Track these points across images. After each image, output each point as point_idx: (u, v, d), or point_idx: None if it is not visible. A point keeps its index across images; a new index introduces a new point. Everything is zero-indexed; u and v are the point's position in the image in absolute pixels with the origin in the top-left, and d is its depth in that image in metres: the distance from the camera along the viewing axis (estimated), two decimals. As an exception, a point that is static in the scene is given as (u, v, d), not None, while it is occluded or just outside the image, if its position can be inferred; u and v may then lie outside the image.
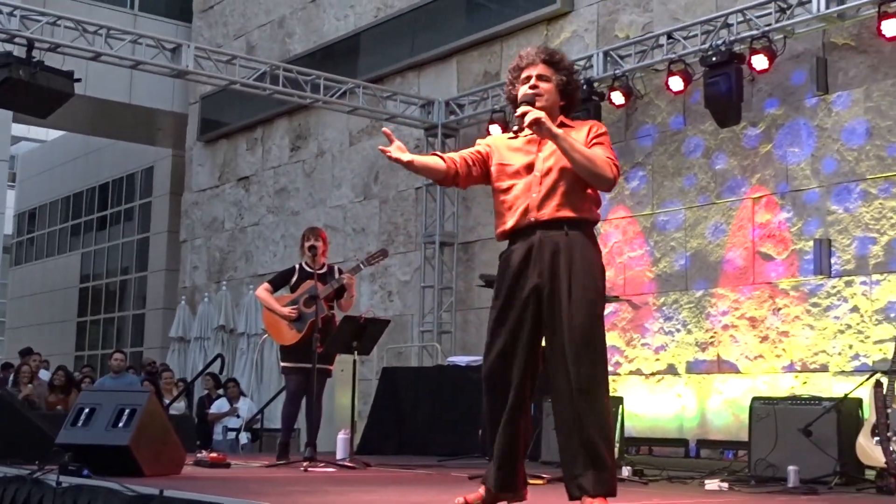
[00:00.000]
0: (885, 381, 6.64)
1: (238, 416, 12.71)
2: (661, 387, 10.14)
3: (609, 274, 9.09)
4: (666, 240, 10.30)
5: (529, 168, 4.23)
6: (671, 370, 10.08)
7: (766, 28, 9.06)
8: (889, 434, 6.41)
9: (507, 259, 4.23)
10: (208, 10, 18.39)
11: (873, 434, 6.52)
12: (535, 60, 4.34)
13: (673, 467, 7.69)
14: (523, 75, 4.34)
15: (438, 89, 13.07)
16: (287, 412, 8.33)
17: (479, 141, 4.49)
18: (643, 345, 10.31)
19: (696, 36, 9.68)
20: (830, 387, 8.65)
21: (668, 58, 9.78)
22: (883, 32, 8.25)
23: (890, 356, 6.95)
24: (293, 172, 15.56)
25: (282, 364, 8.35)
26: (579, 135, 4.27)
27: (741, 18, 9.33)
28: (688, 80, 9.60)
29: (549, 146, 4.21)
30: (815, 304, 9.02)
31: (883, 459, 6.39)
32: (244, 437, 12.49)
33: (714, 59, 9.19)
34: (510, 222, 4.21)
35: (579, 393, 4.01)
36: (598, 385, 4.07)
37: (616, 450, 6.71)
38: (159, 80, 14.47)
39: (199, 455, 7.61)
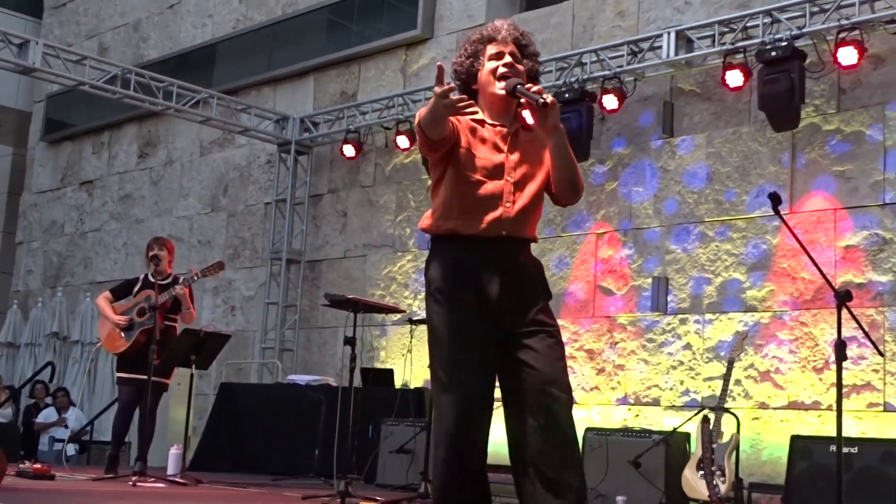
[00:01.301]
0: (711, 417, 6.90)
1: (66, 427, 12.34)
2: (498, 414, 10.22)
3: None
4: (511, 269, 10.43)
5: (499, 170, 3.68)
6: (509, 398, 10.20)
7: (618, 70, 9.33)
8: (713, 468, 6.66)
9: (459, 266, 3.66)
10: (60, 8, 17.84)
11: (698, 468, 6.75)
12: (507, 38, 3.75)
13: (506, 494, 7.76)
14: (493, 50, 3.75)
15: (294, 105, 12.99)
16: (118, 424, 8.13)
17: None
18: (483, 372, 10.38)
19: (550, 72, 9.89)
20: (661, 420, 8.91)
21: (523, 91, 9.96)
22: (727, 82, 8.60)
23: (718, 393, 7.22)
24: (140, 179, 15.20)
25: (117, 374, 8.15)
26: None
27: (595, 59, 9.59)
28: (540, 114, 9.79)
29: (518, 150, 3.72)
30: (650, 340, 9.29)
31: (706, 492, 6.63)
32: (71, 449, 12.10)
33: (566, 95, 9.40)
34: (473, 227, 3.64)
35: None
36: None
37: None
38: (3, 75, 13.94)
39: (21, 466, 7.34)
